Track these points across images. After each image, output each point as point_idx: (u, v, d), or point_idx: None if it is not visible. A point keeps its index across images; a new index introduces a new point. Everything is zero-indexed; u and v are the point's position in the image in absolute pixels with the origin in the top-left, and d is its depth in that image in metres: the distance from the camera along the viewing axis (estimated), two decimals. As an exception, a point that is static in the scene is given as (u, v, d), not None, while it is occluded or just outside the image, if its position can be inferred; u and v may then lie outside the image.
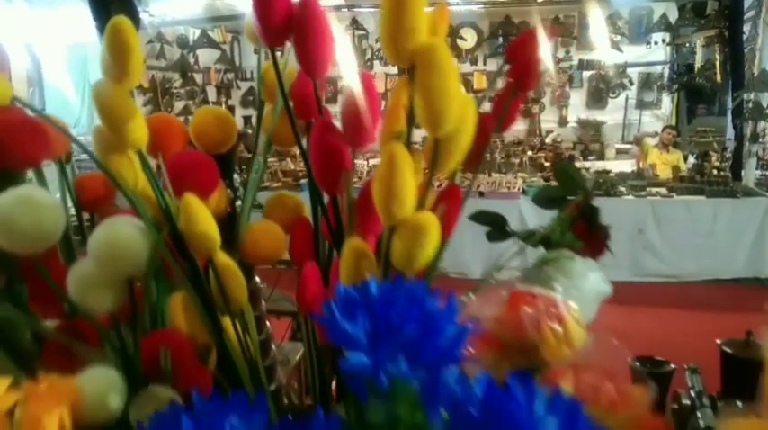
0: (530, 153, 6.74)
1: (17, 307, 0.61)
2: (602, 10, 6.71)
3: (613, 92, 7.33)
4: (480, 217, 0.76)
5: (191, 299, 0.58)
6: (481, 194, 5.29)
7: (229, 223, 0.73)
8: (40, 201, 0.50)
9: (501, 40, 7.16)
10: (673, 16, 6.60)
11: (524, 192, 5.35)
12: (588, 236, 0.71)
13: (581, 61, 7.23)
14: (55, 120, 0.58)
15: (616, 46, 6.99)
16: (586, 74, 7.33)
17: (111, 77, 0.51)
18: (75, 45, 6.80)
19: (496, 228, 0.76)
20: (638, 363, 1.20)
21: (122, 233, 0.52)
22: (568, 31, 7.07)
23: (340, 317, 0.37)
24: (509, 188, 5.42)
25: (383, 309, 0.37)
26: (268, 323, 0.86)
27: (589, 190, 0.73)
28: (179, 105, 7.48)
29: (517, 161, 6.38)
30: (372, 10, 6.55)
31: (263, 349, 0.76)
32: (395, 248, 0.47)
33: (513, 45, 0.63)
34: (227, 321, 0.60)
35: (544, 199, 0.80)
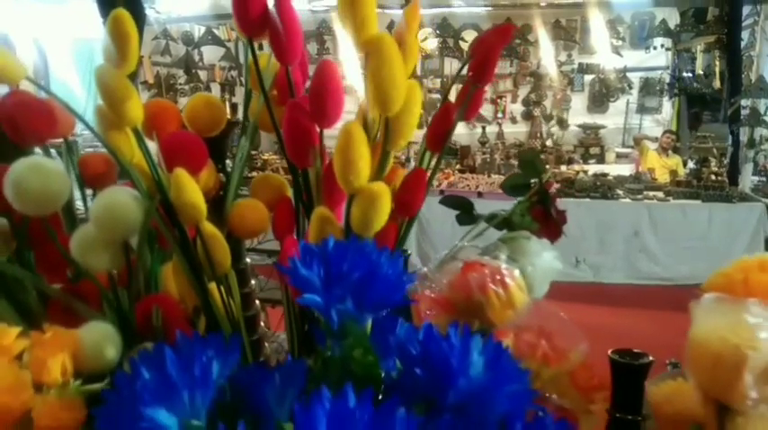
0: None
1: (25, 269, 0.68)
2: (604, 14, 6.77)
3: (613, 96, 7.39)
4: (448, 201, 0.83)
5: (180, 263, 0.65)
6: (480, 195, 5.36)
7: (220, 203, 0.80)
8: (48, 167, 0.57)
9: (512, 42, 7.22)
10: (674, 22, 6.66)
11: (522, 193, 5.42)
12: (545, 219, 0.77)
13: (582, 65, 7.28)
14: (61, 100, 0.65)
15: (617, 50, 7.05)
16: (587, 78, 7.39)
17: (111, 62, 0.58)
18: (81, 40, 6.89)
19: (464, 211, 0.82)
20: (616, 355, 1.26)
21: (119, 199, 0.59)
22: (569, 35, 7.12)
23: (300, 265, 0.44)
24: (507, 189, 5.49)
25: (336, 260, 0.44)
26: (258, 302, 0.92)
27: (545, 177, 0.80)
28: (183, 101, 7.55)
29: (517, 163, 6.45)
30: (379, 11, 6.61)
31: (250, 324, 0.83)
32: (353, 214, 0.54)
33: (476, 42, 0.70)
34: (212, 285, 0.67)
35: (510, 186, 0.86)
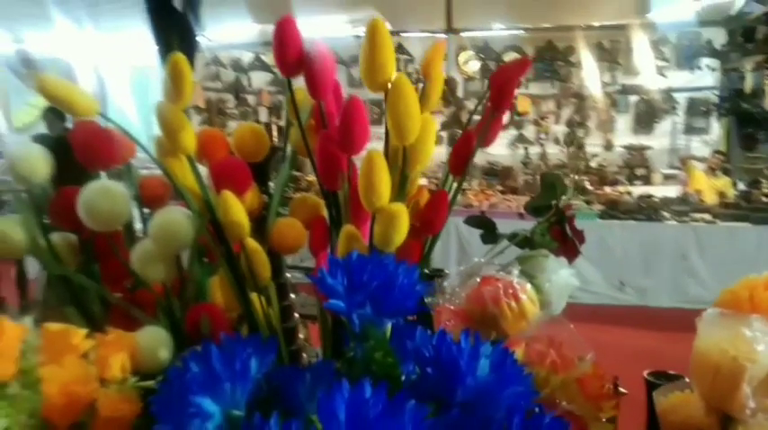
0: (575, 177, 6.77)
1: (91, 280, 0.77)
2: (648, 35, 6.73)
3: (660, 117, 7.30)
4: (473, 221, 0.88)
5: (226, 275, 0.73)
6: (521, 216, 5.35)
7: (263, 222, 0.87)
8: (114, 190, 0.66)
9: (552, 64, 7.28)
10: (721, 41, 6.56)
11: (564, 214, 5.40)
12: (563, 239, 0.82)
13: (627, 86, 7.23)
14: (125, 130, 0.74)
15: (661, 71, 6.98)
16: (632, 98, 7.33)
17: (169, 99, 0.66)
18: (138, 68, 7.23)
19: (488, 231, 0.88)
20: (651, 377, 1.28)
21: (174, 218, 0.67)
22: (613, 56, 7.10)
23: (326, 275, 0.51)
24: (549, 210, 5.47)
25: (358, 270, 0.51)
26: (298, 316, 1.00)
27: (564, 199, 0.85)
28: (233, 125, 7.83)
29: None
30: (420, 35, 6.74)
31: (289, 334, 0.90)
32: (375, 231, 0.60)
33: (494, 74, 0.76)
34: (254, 295, 0.75)
35: (533, 208, 0.92)
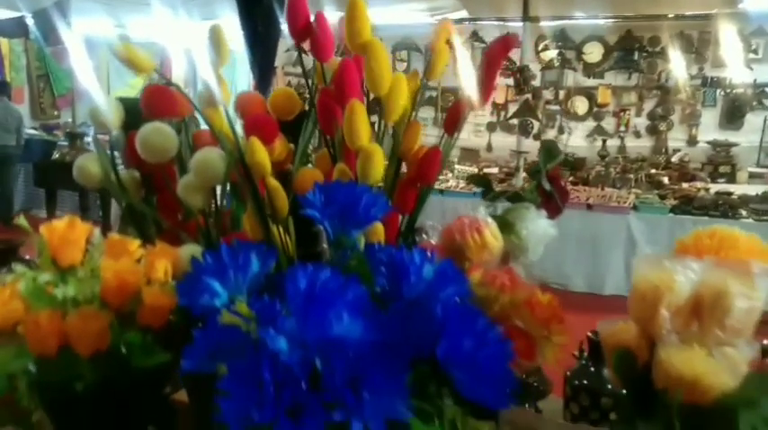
0: (653, 171, 6.60)
1: (150, 208, 0.96)
2: (742, 26, 6.43)
3: (741, 111, 6.96)
4: (473, 179, 1.00)
5: (252, 209, 0.89)
6: (589, 207, 5.31)
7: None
8: (163, 129, 0.84)
9: (633, 54, 7.11)
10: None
11: (635, 207, 5.31)
12: (546, 196, 0.93)
13: (713, 79, 6.94)
14: (181, 89, 0.92)
15: (750, 64, 6.65)
16: (720, 92, 7.03)
17: (210, 61, 0.83)
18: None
19: (487, 188, 1.00)
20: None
21: (210, 155, 0.84)
22: (699, 48, 6.84)
23: (309, 194, 0.66)
24: (619, 203, 5.39)
25: (332, 192, 0.65)
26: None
27: (555, 162, 0.96)
28: (311, 108, 8.09)
29: (634, 177, 6.29)
30: (495, 23, 6.75)
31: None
32: (357, 166, 0.75)
33: (487, 49, 0.88)
34: (274, 227, 0.91)
35: (532, 171, 1.03)
